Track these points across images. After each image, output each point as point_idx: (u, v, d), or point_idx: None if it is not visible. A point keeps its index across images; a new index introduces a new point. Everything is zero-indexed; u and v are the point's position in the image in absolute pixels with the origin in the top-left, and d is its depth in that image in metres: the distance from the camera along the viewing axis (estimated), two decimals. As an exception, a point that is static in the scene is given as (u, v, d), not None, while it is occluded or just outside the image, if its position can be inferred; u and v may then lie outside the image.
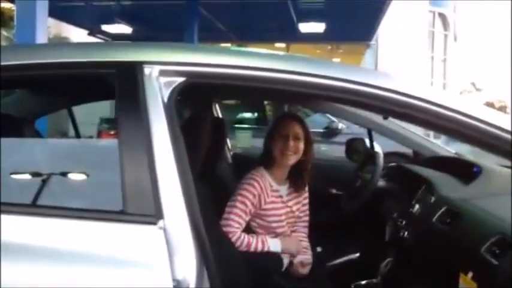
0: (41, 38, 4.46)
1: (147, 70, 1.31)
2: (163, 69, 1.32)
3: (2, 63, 1.38)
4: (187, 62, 1.36)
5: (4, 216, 1.21)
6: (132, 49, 1.42)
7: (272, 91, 1.40)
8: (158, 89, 1.29)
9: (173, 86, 1.32)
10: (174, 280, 1.14)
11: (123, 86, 1.31)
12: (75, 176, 1.44)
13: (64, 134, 8.26)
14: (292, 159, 2.27)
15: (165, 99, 1.29)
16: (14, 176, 1.41)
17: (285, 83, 1.33)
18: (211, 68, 1.35)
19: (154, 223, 1.18)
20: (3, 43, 12.26)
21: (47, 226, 1.21)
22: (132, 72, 1.30)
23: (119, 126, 1.27)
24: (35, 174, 1.37)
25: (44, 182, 1.34)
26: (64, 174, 1.41)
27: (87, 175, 1.42)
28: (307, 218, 2.46)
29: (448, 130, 1.34)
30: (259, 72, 1.33)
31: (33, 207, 1.28)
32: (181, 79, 1.33)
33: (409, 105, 1.31)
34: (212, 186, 1.94)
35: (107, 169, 1.34)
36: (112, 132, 8.28)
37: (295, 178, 2.36)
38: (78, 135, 2.98)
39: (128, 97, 1.29)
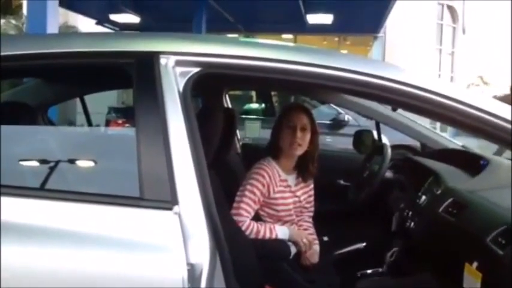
0: (52, 28, 4.48)
1: (163, 60, 1.33)
2: (179, 59, 1.35)
3: (20, 52, 1.41)
4: (202, 52, 1.38)
5: (30, 201, 1.26)
6: (149, 39, 1.44)
7: (285, 82, 1.42)
8: (174, 79, 1.32)
9: (189, 75, 1.34)
10: (188, 264, 1.17)
11: (140, 75, 1.33)
12: (95, 164, 1.47)
13: (71, 123, 8.29)
14: (300, 150, 2.30)
15: (181, 89, 1.32)
16: (38, 163, 1.45)
17: (302, 74, 1.35)
18: (227, 58, 1.38)
19: (170, 208, 1.21)
20: (12, 32, 12.26)
21: (68, 210, 1.24)
22: (149, 62, 1.33)
23: (136, 114, 1.30)
24: (57, 162, 1.41)
25: (66, 168, 1.38)
26: (85, 161, 1.45)
27: (106, 163, 1.46)
28: (312, 209, 2.50)
29: (457, 122, 1.36)
30: (275, 64, 1.35)
31: (56, 193, 1.31)
32: (196, 69, 1.35)
33: (419, 97, 1.33)
34: (222, 176, 1.98)
35: (125, 156, 1.37)
36: (120, 122, 8.31)
37: (302, 168, 2.38)
38: (90, 124, 3.01)
39: (145, 86, 1.32)
